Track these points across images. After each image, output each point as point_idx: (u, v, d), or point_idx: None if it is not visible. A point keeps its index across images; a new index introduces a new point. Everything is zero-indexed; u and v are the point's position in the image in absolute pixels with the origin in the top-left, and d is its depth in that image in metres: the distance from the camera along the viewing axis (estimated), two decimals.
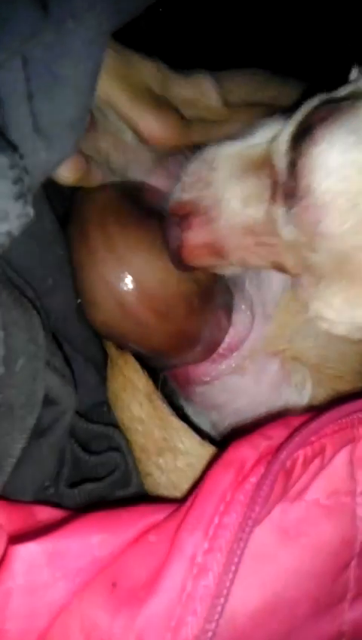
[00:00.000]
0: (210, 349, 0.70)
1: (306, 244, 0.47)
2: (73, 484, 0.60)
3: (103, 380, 0.70)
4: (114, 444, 0.66)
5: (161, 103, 0.59)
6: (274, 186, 0.49)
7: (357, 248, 0.45)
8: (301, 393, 0.68)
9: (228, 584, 0.44)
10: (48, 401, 0.52)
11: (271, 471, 0.45)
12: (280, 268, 0.52)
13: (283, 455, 0.46)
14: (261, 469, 0.47)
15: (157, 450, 0.66)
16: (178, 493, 0.63)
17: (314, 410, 0.54)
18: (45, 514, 0.52)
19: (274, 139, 0.51)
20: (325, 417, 0.49)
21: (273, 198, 0.49)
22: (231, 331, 0.70)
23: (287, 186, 0.47)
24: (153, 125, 0.57)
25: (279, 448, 0.47)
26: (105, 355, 0.71)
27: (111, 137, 0.62)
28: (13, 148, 0.36)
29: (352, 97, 0.48)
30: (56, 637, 0.46)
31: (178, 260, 0.57)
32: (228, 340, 0.70)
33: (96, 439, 0.65)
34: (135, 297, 0.62)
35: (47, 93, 0.43)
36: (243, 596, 0.47)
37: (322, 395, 0.68)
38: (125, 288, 0.61)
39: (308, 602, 0.50)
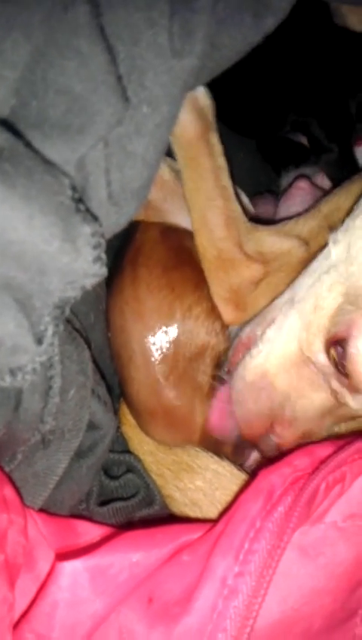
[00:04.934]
0: None
1: None
2: (101, 503, 0.62)
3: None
4: (131, 467, 0.68)
5: None
6: (324, 376, 0.59)
7: None
8: None
9: (256, 607, 0.45)
10: (91, 426, 0.54)
11: (299, 504, 0.48)
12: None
13: (310, 488, 0.48)
14: (288, 499, 0.48)
15: (173, 474, 0.67)
16: (198, 509, 0.64)
17: (334, 439, 0.57)
18: (84, 528, 0.53)
19: (300, 339, 0.60)
20: (348, 450, 0.51)
21: (329, 384, 0.59)
22: None
23: (340, 377, 0.58)
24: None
25: (307, 480, 0.49)
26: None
27: None
28: (94, 218, 0.38)
29: None
30: None
31: None
32: None
33: (115, 465, 0.67)
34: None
35: (121, 167, 0.46)
36: (265, 610, 0.47)
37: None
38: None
39: (322, 617, 0.51)
